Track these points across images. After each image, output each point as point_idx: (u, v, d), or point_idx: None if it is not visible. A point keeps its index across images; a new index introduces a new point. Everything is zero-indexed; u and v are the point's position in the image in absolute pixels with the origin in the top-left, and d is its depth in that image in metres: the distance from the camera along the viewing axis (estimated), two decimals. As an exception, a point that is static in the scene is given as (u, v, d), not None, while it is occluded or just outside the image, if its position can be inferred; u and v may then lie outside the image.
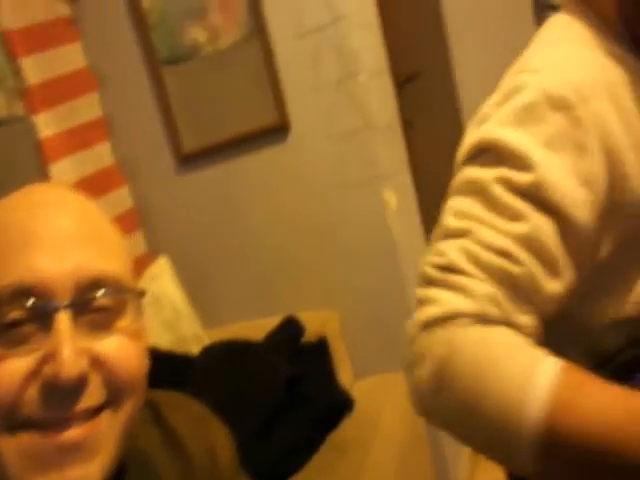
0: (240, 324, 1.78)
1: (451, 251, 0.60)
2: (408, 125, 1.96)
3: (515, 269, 0.58)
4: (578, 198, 0.60)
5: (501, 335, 0.57)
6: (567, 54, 0.67)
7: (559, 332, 0.62)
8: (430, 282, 0.60)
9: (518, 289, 0.58)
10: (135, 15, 1.82)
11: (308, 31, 1.78)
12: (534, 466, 0.53)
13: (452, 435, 0.59)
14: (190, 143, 1.91)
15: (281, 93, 1.79)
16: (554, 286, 0.60)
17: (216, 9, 1.78)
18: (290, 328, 1.56)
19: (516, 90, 0.64)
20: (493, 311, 0.57)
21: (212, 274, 1.96)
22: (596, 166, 0.61)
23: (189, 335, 1.85)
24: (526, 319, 0.59)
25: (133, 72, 1.88)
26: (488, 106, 0.67)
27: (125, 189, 2.02)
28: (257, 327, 1.63)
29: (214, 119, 1.87)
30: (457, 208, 0.63)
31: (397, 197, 1.83)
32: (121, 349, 0.51)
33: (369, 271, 1.82)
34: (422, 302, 0.60)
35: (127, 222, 2.01)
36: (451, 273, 0.59)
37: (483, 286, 0.58)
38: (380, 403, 1.50)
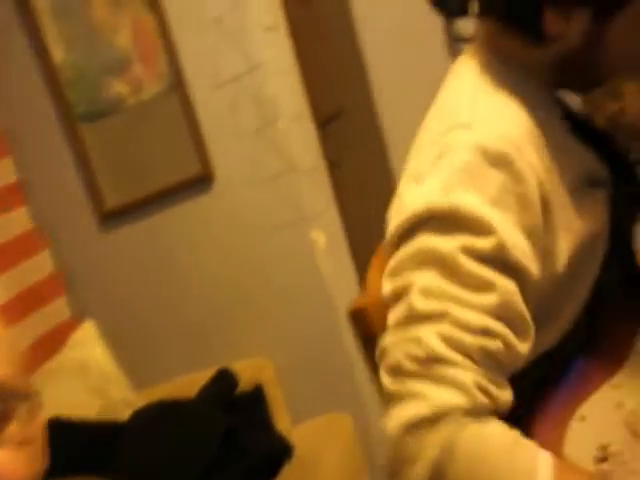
0: (173, 382, 1.70)
1: (430, 339, 0.56)
2: (334, 164, 1.98)
3: (494, 345, 0.57)
4: (528, 251, 0.60)
5: (496, 433, 0.55)
6: (493, 104, 0.66)
7: None
8: (410, 375, 0.57)
9: (498, 364, 0.57)
10: (47, 72, 1.78)
11: (225, 81, 1.80)
12: None
13: None
14: (112, 200, 1.86)
15: (203, 143, 1.78)
16: (524, 347, 0.59)
17: (137, 61, 1.78)
18: (223, 380, 1.52)
19: (451, 149, 0.63)
20: (484, 400, 0.56)
21: (142, 333, 1.88)
22: (537, 217, 0.62)
23: (119, 400, 1.74)
24: (507, 394, 0.58)
25: (48, 131, 1.83)
26: (422, 162, 0.65)
27: (45, 253, 1.94)
28: (191, 382, 1.57)
29: (136, 173, 1.84)
30: (422, 285, 0.59)
31: (325, 236, 1.84)
32: (5, 464, 0.46)
33: (301, 313, 1.80)
34: (403, 398, 0.56)
35: (48, 288, 1.91)
36: (435, 364, 0.56)
37: (470, 374, 0.56)
38: (320, 445, 1.47)
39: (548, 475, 0.53)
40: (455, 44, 2.07)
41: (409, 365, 0.56)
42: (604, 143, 0.78)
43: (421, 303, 0.58)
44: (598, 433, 0.64)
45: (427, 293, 0.58)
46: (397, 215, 0.63)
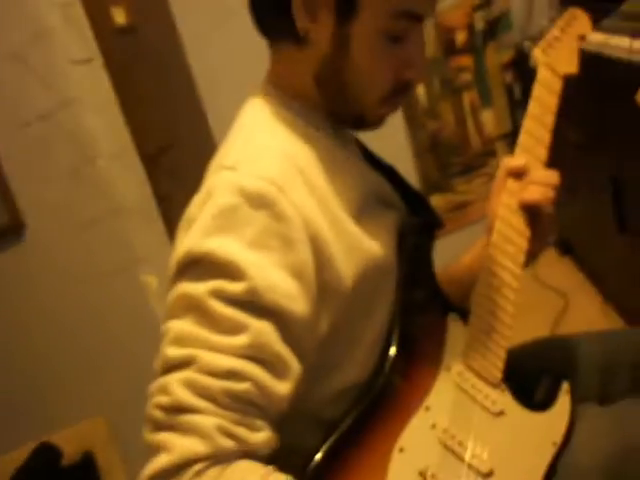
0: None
1: (175, 387, 0.57)
2: (166, 199, 1.90)
3: (242, 387, 0.58)
4: (292, 291, 0.61)
5: (238, 474, 0.56)
6: (260, 144, 0.67)
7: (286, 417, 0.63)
8: (159, 425, 0.57)
9: (249, 406, 0.58)
10: None
11: (32, 119, 1.66)
12: None
13: None
14: None
15: (8, 190, 1.56)
16: (284, 387, 0.60)
17: None
18: (44, 455, 1.38)
19: (215, 190, 0.63)
20: (228, 444, 0.56)
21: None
22: (303, 255, 0.62)
23: None
24: (261, 436, 0.59)
25: None
26: (193, 206, 0.65)
27: None
28: (9, 462, 1.41)
29: None
30: (175, 333, 0.60)
31: (159, 278, 1.75)
32: None
33: (137, 362, 1.70)
34: (154, 449, 0.57)
35: None
36: (179, 413, 0.56)
37: (212, 419, 0.56)
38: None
39: None
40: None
41: (158, 415, 0.57)
42: (395, 177, 0.81)
43: (171, 351, 0.59)
44: (417, 460, 0.66)
45: (179, 340, 0.59)
46: (169, 263, 0.64)
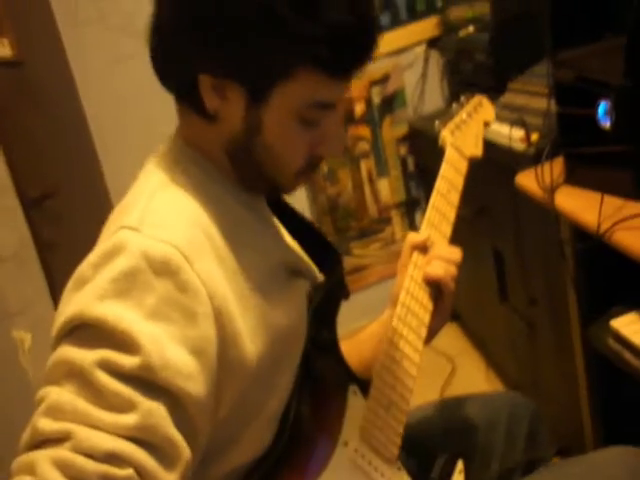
0: None
1: (44, 466, 0.50)
2: (48, 249, 1.80)
3: (122, 473, 0.51)
4: (190, 370, 0.56)
5: None
6: (168, 206, 0.62)
7: None
8: None
9: None
10: None
11: None
12: None
13: None
14: None
15: None
16: (170, 477, 0.55)
17: None
18: None
19: (115, 251, 0.58)
20: None
21: None
22: (206, 331, 0.58)
23: None
24: None
25: None
26: (89, 264, 0.59)
27: None
28: None
29: None
30: (51, 402, 0.53)
31: (33, 334, 1.65)
32: None
33: (9, 426, 1.57)
34: None
35: None
36: None
37: None
38: None
39: None
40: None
41: None
42: (313, 234, 0.80)
43: (44, 422, 0.52)
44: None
45: (54, 411, 0.52)
46: (53, 323, 0.58)
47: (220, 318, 0.59)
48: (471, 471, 0.82)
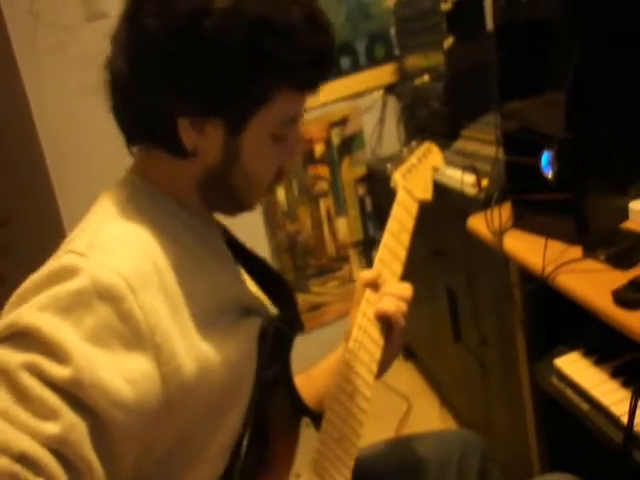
0: None
1: None
2: (-3, 282, 1.76)
3: (32, 479, 0.51)
4: (120, 397, 0.56)
5: None
6: (118, 235, 0.63)
7: None
8: None
9: None
10: None
11: None
12: None
13: None
14: None
15: None
16: None
17: None
18: None
19: (61, 273, 0.58)
20: None
21: None
22: (144, 364, 0.58)
23: None
24: None
25: None
26: (31, 283, 0.60)
27: None
28: None
29: None
30: None
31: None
32: None
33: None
34: None
35: None
36: None
37: None
38: None
39: None
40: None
41: None
42: (264, 269, 0.82)
43: None
44: None
45: None
46: None
47: (160, 354, 0.59)
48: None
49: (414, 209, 0.95)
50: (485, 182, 1.41)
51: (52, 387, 0.54)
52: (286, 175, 0.74)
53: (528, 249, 1.14)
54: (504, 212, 1.23)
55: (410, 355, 2.31)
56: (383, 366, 0.80)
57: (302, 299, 2.31)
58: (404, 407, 2.07)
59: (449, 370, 1.92)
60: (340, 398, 0.76)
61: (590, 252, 1.03)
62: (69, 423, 0.53)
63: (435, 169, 1.03)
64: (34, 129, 2.05)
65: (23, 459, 0.51)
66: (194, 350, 0.63)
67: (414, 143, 1.07)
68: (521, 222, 1.22)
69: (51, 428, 0.53)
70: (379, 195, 2.30)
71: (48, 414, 0.53)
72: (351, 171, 2.35)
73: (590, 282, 0.99)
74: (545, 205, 1.15)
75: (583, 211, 1.08)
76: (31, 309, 0.57)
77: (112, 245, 0.62)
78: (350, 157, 2.33)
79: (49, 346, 0.55)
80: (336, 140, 2.30)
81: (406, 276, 0.88)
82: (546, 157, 1.09)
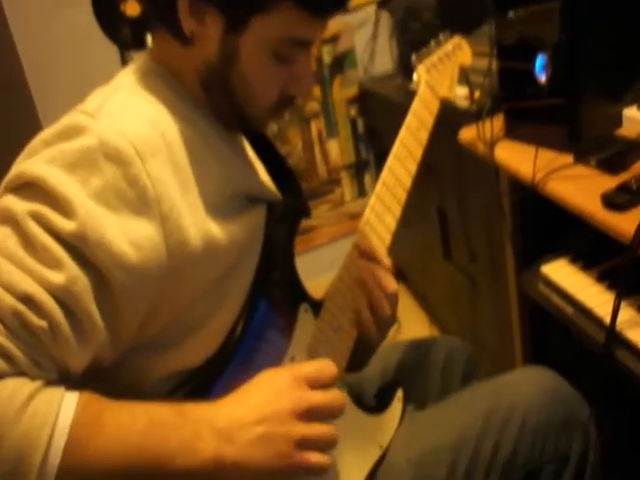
0: None
1: None
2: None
3: (37, 322, 0.52)
4: (125, 260, 0.56)
5: (8, 392, 0.51)
6: (131, 106, 0.63)
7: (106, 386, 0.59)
8: None
9: (36, 345, 0.53)
10: None
11: None
12: None
13: None
14: None
15: None
16: (81, 350, 0.56)
17: None
18: None
19: (69, 131, 0.58)
20: (2, 367, 0.51)
21: None
22: (149, 230, 0.58)
23: None
24: (46, 375, 0.54)
25: None
26: (39, 140, 0.60)
27: None
28: None
29: None
30: None
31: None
32: None
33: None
34: None
35: None
36: None
37: None
38: None
39: (69, 411, 0.52)
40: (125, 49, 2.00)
41: None
42: (272, 154, 0.81)
43: None
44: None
45: None
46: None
47: (166, 225, 0.59)
48: (408, 408, 0.86)
49: (435, 107, 0.92)
50: (478, 94, 1.39)
51: (57, 239, 0.54)
52: (294, 103, 0.71)
53: (519, 158, 1.13)
54: (496, 124, 1.21)
55: (401, 277, 2.34)
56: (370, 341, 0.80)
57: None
58: (394, 328, 2.12)
59: (439, 289, 1.95)
60: (340, 289, 0.77)
61: (581, 159, 1.03)
62: (73, 275, 0.54)
63: (462, 67, 0.99)
64: (14, 48, 1.99)
65: (28, 300, 0.52)
66: (201, 227, 0.62)
67: (442, 36, 1.03)
68: (513, 132, 1.20)
69: (55, 277, 0.53)
70: (372, 116, 2.26)
71: (53, 263, 0.54)
72: (342, 91, 2.30)
73: (580, 187, 0.99)
74: (537, 114, 1.13)
75: (576, 117, 1.06)
76: (39, 161, 0.57)
77: (122, 112, 0.61)
78: (342, 76, 2.28)
79: (55, 198, 0.55)
80: (327, 58, 2.24)
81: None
82: (540, 61, 1.06)
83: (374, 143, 2.34)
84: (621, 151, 0.99)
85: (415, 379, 1.00)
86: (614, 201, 0.90)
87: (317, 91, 2.26)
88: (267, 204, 0.73)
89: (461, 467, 0.72)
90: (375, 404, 0.81)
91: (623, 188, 0.91)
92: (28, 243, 0.54)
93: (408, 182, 0.88)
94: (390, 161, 0.85)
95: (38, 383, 0.53)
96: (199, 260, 0.62)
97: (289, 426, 0.59)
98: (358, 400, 0.78)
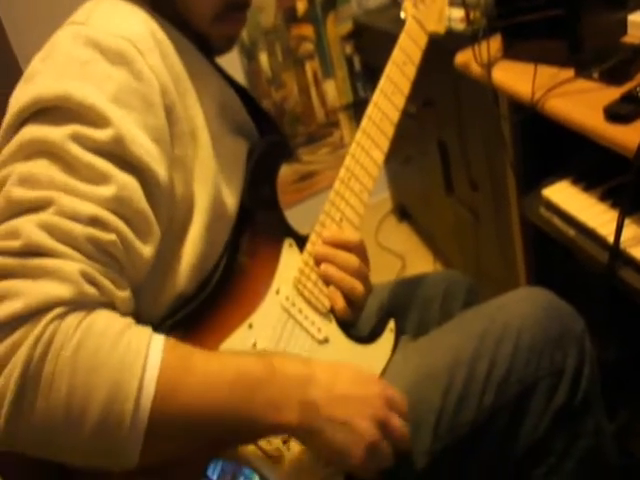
0: None
1: (28, 229, 0.50)
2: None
3: (106, 237, 0.53)
4: (155, 154, 0.57)
5: (102, 320, 0.51)
6: (118, 10, 0.62)
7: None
8: (5, 274, 0.49)
9: (113, 260, 0.54)
10: None
11: None
12: (139, 455, 0.50)
13: (42, 452, 0.51)
14: None
15: None
16: (146, 250, 0.57)
17: None
18: None
19: (62, 43, 0.58)
20: (91, 291, 0.51)
21: None
22: (162, 120, 0.59)
23: None
24: (125, 294, 0.55)
25: None
26: (36, 60, 0.59)
27: None
28: None
29: None
30: (22, 174, 0.52)
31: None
32: None
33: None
34: None
35: None
36: (35, 257, 0.49)
37: (75, 265, 0.50)
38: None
39: (153, 368, 0.51)
40: None
41: (5, 262, 0.49)
42: (249, 98, 0.79)
43: (19, 192, 0.51)
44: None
45: (30, 181, 0.52)
46: (4, 121, 0.57)
47: (171, 116, 0.60)
48: (404, 338, 0.84)
49: (423, 41, 0.89)
50: (474, 15, 1.32)
51: (98, 152, 0.54)
52: (245, 7, 0.69)
53: (517, 78, 1.07)
54: (493, 45, 1.14)
55: (404, 216, 2.30)
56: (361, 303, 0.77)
57: (293, 169, 2.26)
58: (398, 265, 2.09)
59: (442, 224, 1.91)
60: (328, 224, 0.76)
61: (583, 71, 0.97)
62: (121, 182, 0.55)
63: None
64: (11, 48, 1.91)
65: (94, 222, 0.53)
66: (191, 123, 0.62)
67: None
68: (511, 52, 1.13)
69: (106, 191, 0.54)
70: (369, 52, 2.17)
71: (99, 179, 0.54)
72: (337, 29, 2.21)
73: (581, 102, 0.93)
74: (536, 29, 1.06)
75: (577, 27, 0.99)
76: (50, 80, 0.55)
77: (111, 15, 0.61)
78: (335, 12, 2.19)
79: (85, 112, 0.54)
80: (319, -6, 2.15)
81: (395, 137, 0.84)
82: (537, -31, 0.99)
83: (372, 81, 2.26)
84: (626, 59, 0.92)
85: (413, 313, 0.98)
86: (618, 112, 0.85)
87: (310, 30, 2.17)
88: (248, 143, 0.72)
89: (456, 389, 0.70)
90: (365, 333, 0.79)
91: (627, 98, 0.85)
92: (70, 167, 0.53)
93: (396, 116, 0.85)
94: (376, 96, 0.82)
95: (127, 319, 0.53)
96: (197, 154, 0.63)
97: (376, 406, 0.60)
98: (347, 330, 0.75)
